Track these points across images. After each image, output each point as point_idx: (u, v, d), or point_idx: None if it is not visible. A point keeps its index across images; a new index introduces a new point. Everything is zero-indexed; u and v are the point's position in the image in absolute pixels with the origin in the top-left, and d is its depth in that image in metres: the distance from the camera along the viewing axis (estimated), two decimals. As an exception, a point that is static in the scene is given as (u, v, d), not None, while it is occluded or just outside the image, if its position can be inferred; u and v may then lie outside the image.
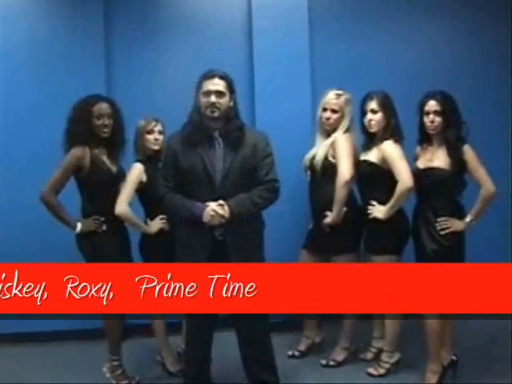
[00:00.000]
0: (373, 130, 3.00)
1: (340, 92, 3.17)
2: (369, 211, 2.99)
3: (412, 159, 2.95)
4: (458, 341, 3.02)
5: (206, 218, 2.53)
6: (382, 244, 2.99)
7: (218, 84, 2.57)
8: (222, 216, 2.52)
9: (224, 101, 2.58)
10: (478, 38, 4.05)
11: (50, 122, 3.44)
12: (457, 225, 2.73)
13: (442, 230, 2.72)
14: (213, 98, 2.55)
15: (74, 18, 3.74)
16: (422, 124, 2.84)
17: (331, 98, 3.16)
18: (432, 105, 2.76)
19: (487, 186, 2.71)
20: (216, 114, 2.56)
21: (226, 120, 2.60)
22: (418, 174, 2.84)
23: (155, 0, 3.90)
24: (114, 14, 3.82)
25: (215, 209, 2.52)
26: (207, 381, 2.81)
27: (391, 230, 2.96)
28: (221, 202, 2.54)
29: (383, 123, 2.98)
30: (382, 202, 2.94)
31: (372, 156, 3.00)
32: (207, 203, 2.54)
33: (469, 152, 2.73)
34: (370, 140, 3.06)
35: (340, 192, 3.02)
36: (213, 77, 2.58)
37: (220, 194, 2.56)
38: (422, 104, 2.80)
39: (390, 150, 2.92)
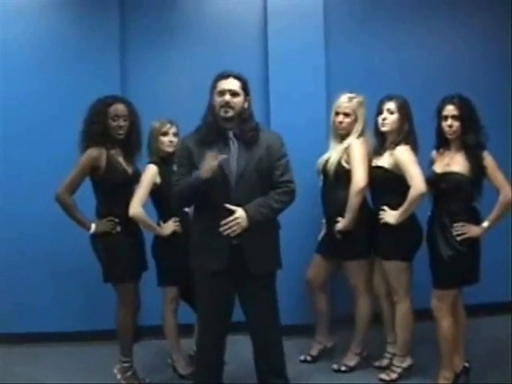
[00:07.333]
0: (385, 128, 2.97)
1: (352, 95, 3.13)
2: (380, 216, 2.97)
3: (427, 164, 2.92)
4: (470, 348, 2.99)
5: (204, 174, 2.44)
6: (393, 249, 2.97)
7: (232, 83, 2.55)
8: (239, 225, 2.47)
9: (238, 100, 2.56)
10: (496, 41, 4.03)
11: (65, 123, 3.46)
12: (474, 230, 2.71)
13: (459, 235, 2.70)
14: (227, 97, 2.53)
15: (90, 17, 3.74)
16: (439, 128, 2.82)
17: (343, 101, 3.12)
18: (450, 109, 2.74)
19: (507, 192, 2.69)
20: (229, 114, 2.54)
21: (240, 120, 2.58)
22: (434, 179, 2.81)
23: (170, 0, 3.90)
24: (130, 15, 3.82)
25: (232, 221, 2.47)
26: None
27: (403, 235, 2.94)
28: (238, 212, 2.49)
29: (397, 125, 2.95)
30: (394, 207, 2.92)
31: (384, 161, 2.98)
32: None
33: (488, 158, 2.72)
34: (382, 144, 3.03)
35: (353, 199, 3.00)
36: (228, 76, 2.57)
37: (235, 195, 2.52)
38: (440, 108, 2.78)
39: (402, 155, 2.89)
